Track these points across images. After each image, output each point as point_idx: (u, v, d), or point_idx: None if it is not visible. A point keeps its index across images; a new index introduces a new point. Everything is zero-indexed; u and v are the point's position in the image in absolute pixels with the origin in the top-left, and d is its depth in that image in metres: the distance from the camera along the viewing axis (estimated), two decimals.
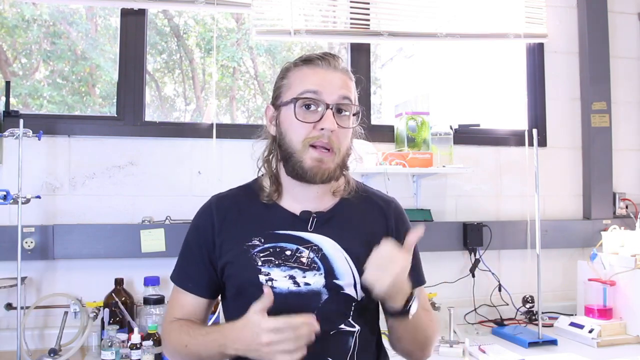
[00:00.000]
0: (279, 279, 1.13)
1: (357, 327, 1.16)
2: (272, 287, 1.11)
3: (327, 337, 1.12)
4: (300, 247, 1.15)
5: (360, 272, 1.13)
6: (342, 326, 1.15)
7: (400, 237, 1.23)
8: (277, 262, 1.14)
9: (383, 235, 1.20)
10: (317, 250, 1.15)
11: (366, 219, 1.24)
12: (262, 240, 1.16)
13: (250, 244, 1.16)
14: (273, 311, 1.08)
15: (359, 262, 1.14)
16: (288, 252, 1.15)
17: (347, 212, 1.22)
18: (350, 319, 1.16)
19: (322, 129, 1.11)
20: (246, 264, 1.14)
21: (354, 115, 1.18)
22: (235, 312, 1.18)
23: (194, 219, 1.28)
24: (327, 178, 1.14)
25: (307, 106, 1.13)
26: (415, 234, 1.10)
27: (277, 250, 1.15)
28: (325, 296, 1.13)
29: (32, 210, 2.04)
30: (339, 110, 1.14)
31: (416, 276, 1.26)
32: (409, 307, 1.10)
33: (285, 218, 1.19)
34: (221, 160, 2.28)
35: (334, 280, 1.14)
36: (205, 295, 1.23)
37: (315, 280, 1.13)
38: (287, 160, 1.16)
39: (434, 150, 2.37)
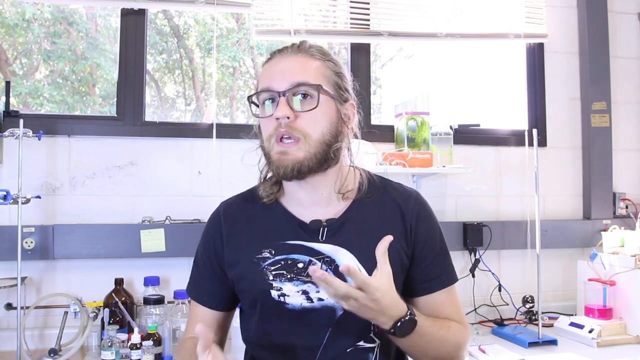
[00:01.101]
0: (292, 294, 1.07)
1: (378, 342, 1.08)
2: (284, 303, 1.07)
3: (343, 355, 1.06)
4: (312, 259, 1.08)
5: None
6: (361, 343, 1.07)
7: (419, 234, 1.15)
8: (289, 276, 1.07)
9: (401, 234, 1.13)
10: (330, 262, 1.08)
11: (381, 219, 1.14)
12: (273, 252, 1.10)
13: (260, 256, 1.10)
14: (287, 328, 1.06)
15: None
16: (300, 265, 1.08)
17: (360, 216, 1.13)
18: (371, 334, 1.08)
19: (278, 119, 1.04)
20: (257, 279, 1.09)
21: (333, 96, 1.10)
22: (249, 323, 1.15)
23: (204, 229, 1.23)
24: (295, 171, 1.05)
25: (271, 100, 1.08)
26: (382, 244, 0.98)
27: (289, 263, 1.09)
28: (340, 312, 1.06)
29: (32, 210, 2.04)
30: (303, 95, 1.06)
31: (437, 277, 1.16)
32: (396, 329, 0.99)
33: (295, 227, 1.12)
34: (221, 160, 2.28)
35: None
36: (220, 309, 1.19)
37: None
38: (267, 163, 1.12)
39: (434, 150, 2.37)
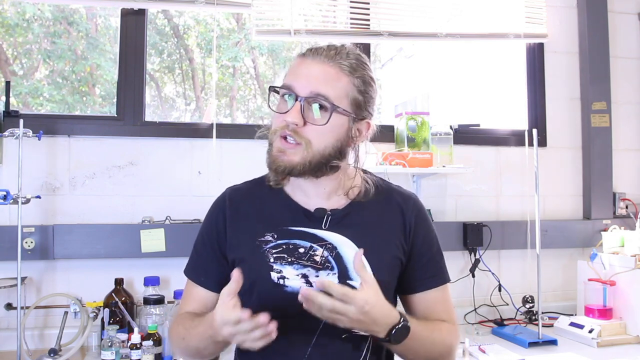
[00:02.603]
0: (291, 277, 1.09)
1: None
2: (284, 286, 1.09)
3: (338, 341, 1.09)
4: (314, 245, 1.11)
5: (376, 272, 1.08)
6: (356, 330, 1.09)
7: (418, 234, 1.19)
8: (289, 260, 1.10)
9: (401, 232, 1.18)
10: (332, 249, 1.11)
11: (383, 216, 1.19)
12: (275, 236, 1.13)
13: (262, 239, 1.13)
14: (285, 311, 1.06)
15: (375, 262, 1.09)
16: (301, 250, 1.11)
17: (363, 210, 1.17)
18: None
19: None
20: (258, 260, 1.11)
21: (350, 116, 1.10)
22: (246, 308, 1.16)
23: (208, 212, 1.25)
24: (287, 172, 1.09)
25: (289, 96, 1.10)
26: (357, 257, 1.00)
27: (290, 247, 1.11)
28: None
29: (32, 210, 2.04)
30: (320, 105, 1.07)
31: (432, 276, 1.21)
32: (391, 337, 1.02)
33: (299, 214, 1.15)
34: (221, 160, 2.28)
35: (348, 281, 1.09)
36: (218, 290, 1.16)
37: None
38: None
39: (434, 150, 2.37)
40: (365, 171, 1.23)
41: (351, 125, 1.12)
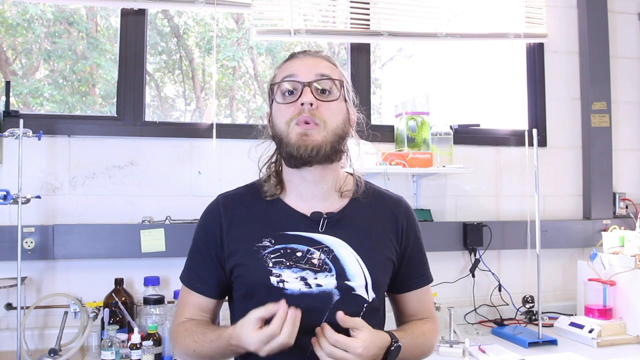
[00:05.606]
0: (290, 280, 1.12)
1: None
2: (284, 289, 1.12)
3: None
4: (311, 249, 1.15)
5: (372, 272, 1.15)
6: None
7: (409, 237, 1.26)
8: (288, 264, 1.13)
9: (393, 234, 1.23)
10: (328, 251, 1.15)
11: (376, 219, 1.23)
12: (273, 242, 1.16)
13: (260, 244, 1.16)
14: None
15: (370, 263, 1.16)
16: (299, 254, 1.14)
17: (358, 213, 1.22)
18: (361, 318, 1.14)
19: (302, 104, 1.11)
20: (257, 265, 1.14)
21: (343, 96, 1.19)
22: (243, 313, 1.17)
23: (201, 219, 1.26)
24: (314, 152, 1.11)
25: (290, 92, 1.15)
26: (339, 317, 1.06)
27: (288, 251, 1.15)
28: (336, 297, 1.13)
29: (32, 210, 2.04)
30: (322, 90, 1.15)
31: (421, 275, 1.29)
32: (387, 357, 1.10)
33: (295, 219, 1.18)
34: (221, 160, 2.28)
35: (346, 282, 1.14)
36: (215, 296, 1.23)
37: (327, 282, 1.13)
38: (280, 146, 1.17)
39: (434, 150, 2.37)
40: (351, 174, 1.28)
41: (348, 109, 1.20)
